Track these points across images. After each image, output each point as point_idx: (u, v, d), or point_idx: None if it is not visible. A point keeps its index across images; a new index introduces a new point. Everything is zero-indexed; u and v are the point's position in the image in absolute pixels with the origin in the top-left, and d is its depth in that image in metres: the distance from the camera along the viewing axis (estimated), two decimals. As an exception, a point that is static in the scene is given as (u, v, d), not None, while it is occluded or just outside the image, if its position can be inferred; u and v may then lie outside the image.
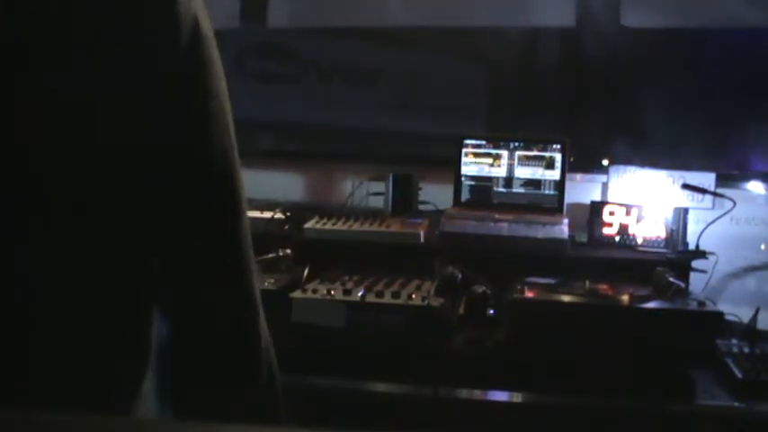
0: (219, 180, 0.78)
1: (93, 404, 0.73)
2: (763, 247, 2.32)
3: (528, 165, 2.33)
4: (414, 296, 1.89)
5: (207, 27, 0.76)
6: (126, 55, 0.70)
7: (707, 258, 2.19)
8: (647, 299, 1.83)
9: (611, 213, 2.31)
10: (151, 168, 0.73)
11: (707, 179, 2.27)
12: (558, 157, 2.31)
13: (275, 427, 0.40)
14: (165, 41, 0.72)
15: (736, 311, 2.09)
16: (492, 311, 2.01)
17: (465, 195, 2.36)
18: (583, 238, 2.33)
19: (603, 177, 2.41)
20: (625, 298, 1.83)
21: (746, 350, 1.85)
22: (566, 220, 2.20)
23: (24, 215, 0.69)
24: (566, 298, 1.85)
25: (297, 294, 1.88)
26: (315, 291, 1.90)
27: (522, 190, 2.33)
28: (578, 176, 2.45)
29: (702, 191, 2.26)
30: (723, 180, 2.30)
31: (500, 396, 1.74)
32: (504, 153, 2.34)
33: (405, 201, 2.39)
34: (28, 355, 0.71)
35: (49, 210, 0.70)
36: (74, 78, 0.68)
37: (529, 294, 1.85)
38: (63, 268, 0.72)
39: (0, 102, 0.67)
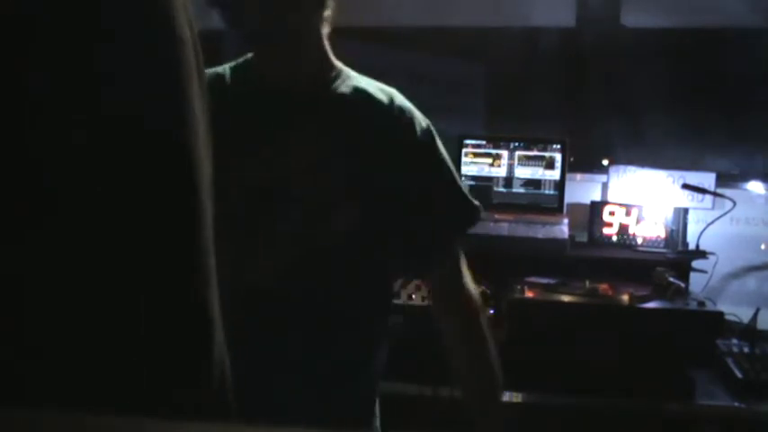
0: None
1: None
2: (763, 247, 2.32)
3: (528, 165, 2.33)
4: (414, 296, 1.89)
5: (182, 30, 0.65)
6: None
7: (707, 258, 2.19)
8: (647, 299, 1.83)
9: (611, 213, 2.31)
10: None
11: (707, 179, 2.27)
12: (558, 157, 2.31)
13: (273, 427, 0.40)
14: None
15: (736, 311, 2.09)
16: (492, 311, 2.01)
17: (465, 195, 2.36)
18: (583, 238, 2.33)
19: (603, 177, 2.41)
20: (625, 298, 1.83)
21: (746, 350, 1.85)
22: (566, 220, 2.20)
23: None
24: (566, 298, 1.85)
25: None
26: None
27: (522, 190, 2.33)
28: (578, 176, 2.45)
29: (702, 191, 2.26)
30: (723, 180, 2.30)
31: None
32: (504, 153, 2.34)
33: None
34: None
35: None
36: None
37: (529, 294, 1.85)
38: None
39: None
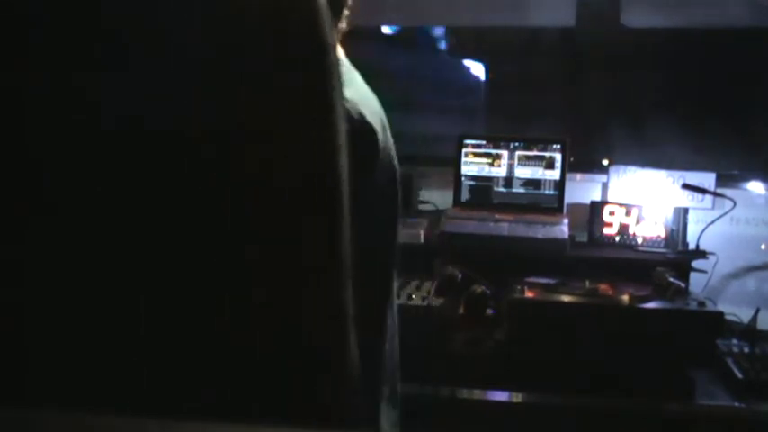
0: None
1: None
2: (763, 247, 2.32)
3: (528, 165, 2.33)
4: (414, 296, 1.89)
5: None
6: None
7: (707, 258, 2.19)
8: (647, 299, 1.83)
9: (611, 213, 2.31)
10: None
11: (707, 179, 2.27)
12: (558, 157, 2.31)
13: (273, 427, 0.40)
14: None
15: (736, 311, 2.09)
16: (492, 311, 2.01)
17: (465, 195, 2.36)
18: (583, 238, 2.33)
19: (603, 177, 2.41)
20: (625, 298, 1.83)
21: (746, 350, 1.86)
22: (566, 220, 2.20)
23: None
24: (566, 298, 1.85)
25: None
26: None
27: (522, 190, 2.33)
28: (578, 176, 2.44)
29: (702, 191, 2.26)
30: (723, 180, 2.30)
31: (500, 396, 1.74)
32: (504, 153, 2.34)
33: (405, 201, 2.39)
34: None
35: None
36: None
37: (529, 294, 1.85)
38: None
39: None
